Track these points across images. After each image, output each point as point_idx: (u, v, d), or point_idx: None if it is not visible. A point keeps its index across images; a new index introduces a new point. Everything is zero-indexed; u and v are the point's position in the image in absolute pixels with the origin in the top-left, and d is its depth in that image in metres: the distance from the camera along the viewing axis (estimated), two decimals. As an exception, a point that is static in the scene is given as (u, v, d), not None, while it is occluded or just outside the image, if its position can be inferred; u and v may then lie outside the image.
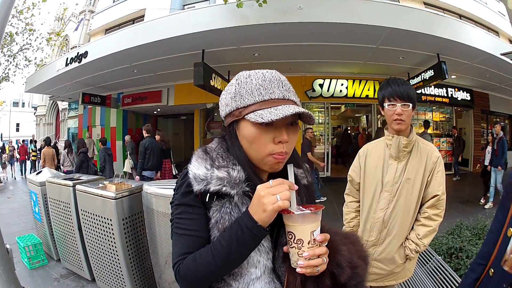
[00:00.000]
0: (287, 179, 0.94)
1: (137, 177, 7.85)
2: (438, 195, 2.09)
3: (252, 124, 0.94)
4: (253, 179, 0.99)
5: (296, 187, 0.92)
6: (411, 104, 2.04)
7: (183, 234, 0.99)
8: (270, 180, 0.89)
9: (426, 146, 2.17)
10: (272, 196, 0.86)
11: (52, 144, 11.65)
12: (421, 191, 2.12)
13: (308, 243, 0.87)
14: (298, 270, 0.87)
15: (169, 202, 1.09)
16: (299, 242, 0.88)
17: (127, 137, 11.97)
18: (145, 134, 7.93)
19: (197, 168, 0.99)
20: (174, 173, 9.13)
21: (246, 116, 0.94)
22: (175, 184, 1.07)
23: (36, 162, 15.50)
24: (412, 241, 2.15)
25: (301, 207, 0.92)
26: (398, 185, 2.14)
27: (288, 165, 0.96)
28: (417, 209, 2.17)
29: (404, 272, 2.27)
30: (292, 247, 0.90)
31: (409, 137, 2.10)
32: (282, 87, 0.97)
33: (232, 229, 0.91)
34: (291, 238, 0.90)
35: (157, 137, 8.43)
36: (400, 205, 2.14)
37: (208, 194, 0.97)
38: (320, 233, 0.89)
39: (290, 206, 0.89)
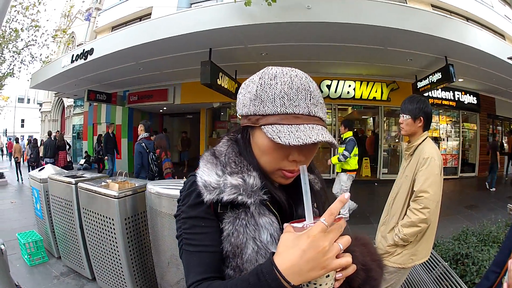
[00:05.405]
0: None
1: (43, 162, 12.21)
2: (415, 191, 2.40)
3: (267, 136, 0.81)
4: (270, 186, 0.90)
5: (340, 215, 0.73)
6: (406, 115, 2.56)
7: (197, 251, 0.87)
8: (322, 217, 0.69)
9: (424, 149, 2.49)
10: (335, 246, 0.69)
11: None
12: (410, 186, 2.49)
13: None
14: (336, 285, 0.75)
15: (173, 215, 0.97)
16: None
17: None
18: (48, 135, 13.58)
19: (207, 174, 0.89)
20: (68, 160, 14.20)
21: (262, 127, 0.82)
22: (180, 193, 0.96)
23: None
24: (397, 227, 2.48)
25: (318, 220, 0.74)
26: (401, 180, 2.64)
27: (300, 166, 0.79)
28: (407, 201, 2.51)
29: (394, 257, 2.51)
30: None
31: (410, 143, 2.61)
32: (310, 99, 0.83)
33: None
34: None
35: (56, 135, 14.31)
36: (399, 196, 2.60)
37: (220, 204, 0.87)
38: None
39: (307, 220, 0.74)
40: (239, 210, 0.87)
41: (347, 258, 0.70)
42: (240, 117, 0.94)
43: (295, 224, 0.74)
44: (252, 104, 0.85)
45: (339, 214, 0.70)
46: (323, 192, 1.08)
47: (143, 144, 6.06)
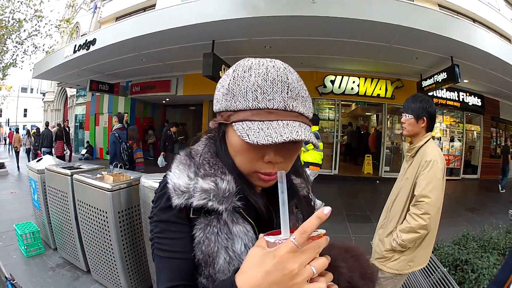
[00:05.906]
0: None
1: (39, 152, 12.37)
2: (416, 195, 2.29)
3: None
4: (247, 191, 0.82)
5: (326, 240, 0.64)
6: (409, 115, 2.44)
7: (167, 257, 0.81)
8: (292, 236, 0.59)
9: (427, 151, 2.37)
10: (307, 269, 0.59)
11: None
12: (411, 189, 2.39)
13: None
14: None
15: (148, 217, 0.92)
16: None
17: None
18: (45, 125, 13.33)
19: (177, 177, 0.82)
20: (64, 150, 13.81)
21: (233, 124, 0.75)
22: (154, 194, 0.88)
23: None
24: (396, 232, 2.39)
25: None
26: (401, 182, 2.54)
27: (278, 171, 0.68)
28: (407, 205, 2.41)
29: (391, 263, 2.44)
30: None
31: (412, 144, 2.50)
32: (287, 92, 0.74)
33: None
34: None
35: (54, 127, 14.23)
36: (399, 199, 2.50)
37: (192, 209, 0.79)
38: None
39: (282, 234, 0.65)
40: (211, 217, 0.80)
41: (320, 284, 0.61)
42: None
43: (268, 238, 0.65)
44: (224, 99, 0.78)
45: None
46: (309, 198, 1.01)
47: (117, 134, 6.46)
